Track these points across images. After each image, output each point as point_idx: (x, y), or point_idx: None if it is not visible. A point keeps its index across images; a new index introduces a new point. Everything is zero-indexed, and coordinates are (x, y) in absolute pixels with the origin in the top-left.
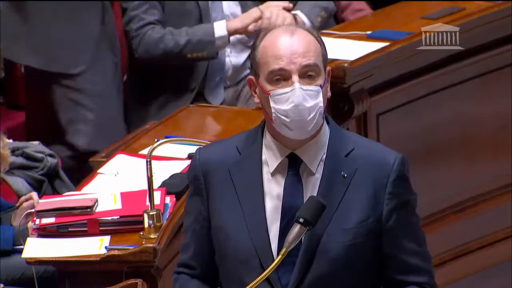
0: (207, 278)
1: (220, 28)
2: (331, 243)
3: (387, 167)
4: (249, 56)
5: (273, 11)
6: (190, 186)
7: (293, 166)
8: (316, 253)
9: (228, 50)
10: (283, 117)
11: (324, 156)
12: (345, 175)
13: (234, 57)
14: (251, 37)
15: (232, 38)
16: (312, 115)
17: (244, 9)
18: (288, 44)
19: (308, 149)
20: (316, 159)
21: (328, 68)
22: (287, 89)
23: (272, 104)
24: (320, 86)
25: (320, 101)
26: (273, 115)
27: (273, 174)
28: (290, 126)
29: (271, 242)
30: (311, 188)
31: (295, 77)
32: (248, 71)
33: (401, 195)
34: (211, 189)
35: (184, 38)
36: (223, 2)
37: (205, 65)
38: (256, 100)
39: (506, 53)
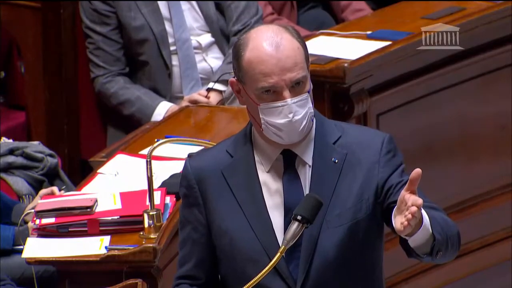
0: (211, 286)
1: (161, 109)
2: (332, 229)
3: (376, 146)
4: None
5: None
6: (184, 197)
7: (288, 161)
8: (318, 241)
9: (203, 54)
10: (275, 129)
11: (313, 146)
12: (336, 160)
13: (213, 59)
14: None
15: (205, 42)
16: (304, 123)
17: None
18: (276, 60)
19: (300, 143)
20: (308, 151)
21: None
22: (278, 103)
23: (261, 116)
24: (308, 91)
25: (309, 106)
26: (263, 125)
27: (268, 171)
28: (282, 136)
29: (277, 239)
30: (308, 180)
31: (286, 93)
32: None
33: (393, 165)
34: (207, 196)
35: (127, 110)
36: (185, 17)
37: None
38: (241, 100)
39: (506, 53)
